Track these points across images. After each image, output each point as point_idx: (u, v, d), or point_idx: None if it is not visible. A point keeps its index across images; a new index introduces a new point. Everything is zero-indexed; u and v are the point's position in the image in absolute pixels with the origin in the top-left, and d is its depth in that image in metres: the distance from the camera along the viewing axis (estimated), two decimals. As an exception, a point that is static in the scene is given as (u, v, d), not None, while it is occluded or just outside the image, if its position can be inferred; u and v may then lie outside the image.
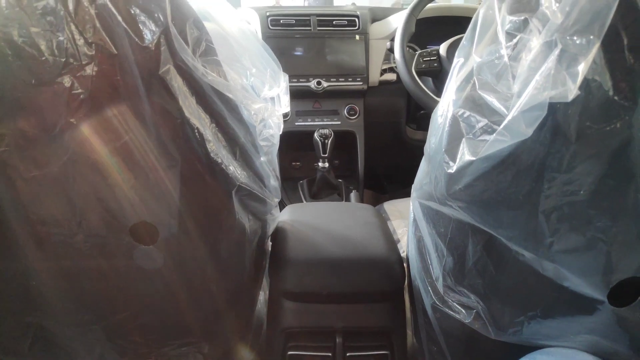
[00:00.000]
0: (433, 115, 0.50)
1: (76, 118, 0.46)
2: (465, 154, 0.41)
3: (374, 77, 1.40)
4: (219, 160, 0.51)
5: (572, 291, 0.43)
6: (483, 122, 0.41)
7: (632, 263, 0.39)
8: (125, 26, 0.45)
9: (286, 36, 1.37)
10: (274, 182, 0.66)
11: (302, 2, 1.72)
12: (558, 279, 0.43)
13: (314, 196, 1.32)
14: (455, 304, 0.55)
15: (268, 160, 0.62)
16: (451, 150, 0.43)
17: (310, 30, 1.38)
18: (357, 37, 1.39)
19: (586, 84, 0.35)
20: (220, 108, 0.51)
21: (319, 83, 1.34)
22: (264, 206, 0.63)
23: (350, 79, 1.37)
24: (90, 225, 0.51)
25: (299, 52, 1.38)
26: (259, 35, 1.35)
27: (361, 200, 1.39)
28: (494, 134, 0.39)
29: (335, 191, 1.35)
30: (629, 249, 0.39)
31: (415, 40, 1.38)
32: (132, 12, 0.45)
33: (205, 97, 0.50)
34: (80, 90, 0.46)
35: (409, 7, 1.20)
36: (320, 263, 0.67)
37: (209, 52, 0.51)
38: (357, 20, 1.39)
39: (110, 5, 0.44)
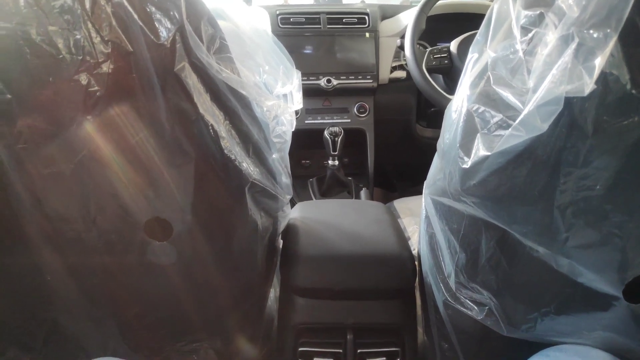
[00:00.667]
0: (447, 111, 0.50)
1: (92, 115, 0.47)
2: (480, 149, 0.41)
3: (384, 74, 1.39)
4: (233, 157, 0.52)
5: (587, 287, 0.43)
6: (498, 117, 0.41)
7: (649, 259, 0.39)
8: (141, 24, 0.45)
9: (296, 34, 1.37)
10: (285, 179, 0.66)
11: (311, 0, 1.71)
12: (573, 274, 0.43)
13: (324, 194, 1.32)
14: (467, 300, 0.55)
15: (280, 157, 0.62)
16: (466, 146, 0.43)
17: (320, 28, 1.38)
18: (367, 34, 1.39)
19: (603, 78, 0.34)
20: (234, 105, 0.51)
21: (328, 81, 1.34)
22: (276, 203, 0.63)
23: (360, 77, 1.36)
24: (105, 221, 0.52)
25: (308, 50, 1.38)
26: (269, 32, 1.35)
27: (371, 198, 1.38)
28: (509, 129, 0.39)
29: (345, 189, 1.35)
30: (643, 244, 0.38)
31: (426, 37, 1.37)
32: (148, 10, 0.46)
33: (220, 94, 0.50)
34: (96, 88, 0.46)
35: (420, 4, 1.20)
36: (331, 260, 0.67)
37: (223, 50, 0.51)
38: (367, 17, 1.39)
39: (126, 3, 0.45)
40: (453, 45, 1.25)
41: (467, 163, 0.42)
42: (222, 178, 0.52)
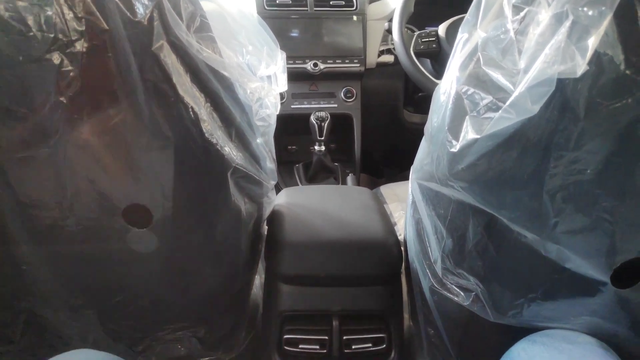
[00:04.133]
0: (435, 94, 0.49)
1: (66, 96, 0.45)
2: (468, 132, 0.39)
3: (372, 58, 1.37)
4: (214, 141, 0.50)
5: (575, 273, 0.42)
6: (488, 99, 0.39)
7: (637, 244, 0.39)
8: (117, 0, 0.43)
9: (282, 17, 1.34)
10: (270, 164, 0.65)
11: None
12: (561, 260, 0.42)
13: (310, 180, 1.31)
14: (453, 286, 0.54)
15: (264, 142, 0.61)
16: (454, 129, 0.42)
17: (307, 10, 1.35)
18: (355, 17, 1.36)
19: (597, 58, 0.33)
20: (215, 86, 0.49)
21: (315, 65, 1.32)
22: (260, 189, 0.62)
23: (347, 61, 1.34)
24: (82, 208, 0.50)
25: (295, 33, 1.35)
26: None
27: (357, 183, 1.38)
28: (500, 111, 0.38)
29: (331, 175, 1.33)
30: (634, 229, 0.38)
31: (414, 21, 1.35)
32: None
33: (200, 74, 0.48)
34: (70, 68, 0.44)
35: (408, -13, 1.18)
36: (316, 246, 0.66)
37: (203, 28, 0.49)
38: (354, 0, 1.36)
39: None
40: (441, 29, 1.23)
41: (456, 147, 0.41)
42: (203, 163, 0.51)
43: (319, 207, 0.76)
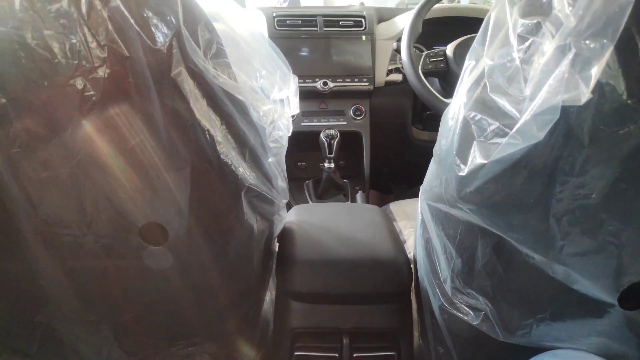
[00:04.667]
0: (443, 118, 0.50)
1: (88, 120, 0.47)
2: (476, 157, 0.41)
3: (380, 77, 1.39)
4: (229, 162, 0.52)
5: (582, 294, 0.43)
6: (495, 125, 0.41)
7: (643, 267, 0.39)
8: (138, 28, 0.45)
9: (293, 37, 1.37)
10: (282, 183, 0.66)
11: (306, 3, 1.71)
12: (568, 281, 0.43)
13: (320, 197, 1.32)
14: (463, 305, 0.55)
15: (276, 162, 0.62)
16: (462, 153, 0.43)
17: (317, 30, 1.38)
18: (364, 37, 1.39)
19: (599, 88, 0.35)
20: (230, 110, 0.51)
21: (325, 83, 1.34)
22: (272, 207, 0.63)
23: (356, 80, 1.37)
24: (100, 226, 0.51)
25: (305, 52, 1.38)
26: (265, 35, 1.35)
27: (367, 200, 1.39)
28: (506, 137, 0.39)
29: (341, 192, 1.35)
30: (637, 251, 0.39)
31: (422, 40, 1.38)
32: (145, 14, 0.46)
33: (216, 99, 0.50)
34: (92, 92, 0.46)
35: (416, 8, 1.20)
36: (327, 264, 0.67)
37: (219, 55, 0.51)
38: (363, 20, 1.39)
39: (122, 7, 0.45)
40: (449, 49, 1.25)
41: (464, 170, 0.42)
42: (218, 183, 0.52)
43: (329, 224, 0.77)
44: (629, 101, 0.34)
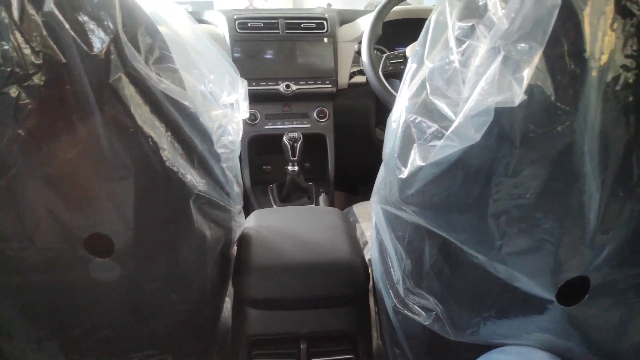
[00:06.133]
0: (388, 121, 0.50)
1: (23, 129, 0.45)
2: (415, 160, 0.41)
3: (343, 79, 1.40)
4: (175, 169, 0.51)
5: (524, 292, 0.44)
6: (434, 127, 0.41)
7: (579, 263, 0.40)
8: (73, 34, 0.44)
9: (255, 39, 1.36)
10: (236, 188, 0.66)
11: (276, 5, 1.70)
12: (510, 280, 0.44)
13: (284, 200, 1.32)
14: (415, 306, 0.55)
15: (228, 167, 0.62)
16: (403, 156, 0.43)
17: (279, 33, 1.38)
18: (326, 39, 1.39)
19: (530, 90, 0.35)
20: (175, 116, 0.50)
21: (287, 86, 1.33)
22: (226, 213, 0.63)
23: (319, 82, 1.37)
24: (42, 239, 0.50)
25: (268, 55, 1.37)
26: (227, 38, 1.34)
27: (332, 202, 1.39)
28: (443, 139, 0.39)
29: (305, 194, 1.34)
30: (574, 249, 0.40)
31: (384, 42, 1.39)
32: (80, 19, 0.44)
33: (160, 105, 0.49)
34: (27, 101, 0.44)
35: (376, 10, 1.21)
36: (283, 269, 0.67)
37: (163, 59, 0.50)
38: (325, 23, 1.39)
39: (57, 12, 0.43)
40: (409, 50, 1.26)
41: (404, 173, 0.43)
42: (164, 191, 0.51)
43: (287, 229, 0.77)
44: (557, 103, 0.35)
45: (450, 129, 0.38)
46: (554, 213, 0.39)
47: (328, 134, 1.39)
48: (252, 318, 0.65)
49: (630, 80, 0.35)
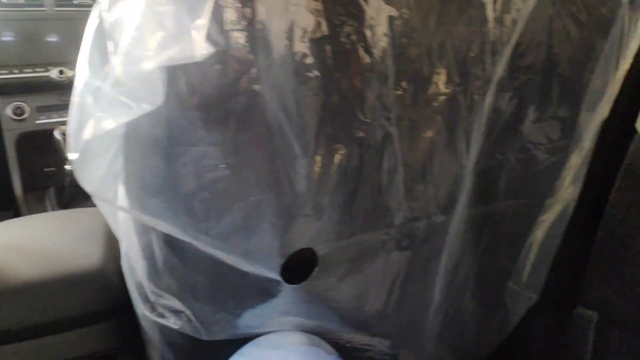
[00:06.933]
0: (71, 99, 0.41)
1: None
2: (84, 134, 0.32)
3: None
4: None
5: (255, 276, 0.39)
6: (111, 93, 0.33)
7: (299, 235, 0.37)
8: None
9: (16, 18, 1.13)
10: None
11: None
12: (236, 265, 0.38)
13: (67, 205, 1.13)
14: (165, 310, 0.47)
15: None
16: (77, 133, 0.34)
17: (45, 10, 1.17)
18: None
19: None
20: None
21: (61, 72, 1.14)
22: None
23: None
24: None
25: (33, 36, 1.15)
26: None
27: None
28: (116, 106, 0.31)
29: (91, 197, 1.16)
30: (289, 221, 0.35)
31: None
32: None
33: None
34: None
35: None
36: (14, 293, 0.53)
37: None
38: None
39: None
40: None
41: (75, 154, 0.34)
42: None
43: (31, 242, 0.62)
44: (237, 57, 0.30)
45: (121, 93, 0.31)
46: (259, 184, 0.34)
47: None
48: (5, 355, 0.52)
49: (319, 35, 0.31)
